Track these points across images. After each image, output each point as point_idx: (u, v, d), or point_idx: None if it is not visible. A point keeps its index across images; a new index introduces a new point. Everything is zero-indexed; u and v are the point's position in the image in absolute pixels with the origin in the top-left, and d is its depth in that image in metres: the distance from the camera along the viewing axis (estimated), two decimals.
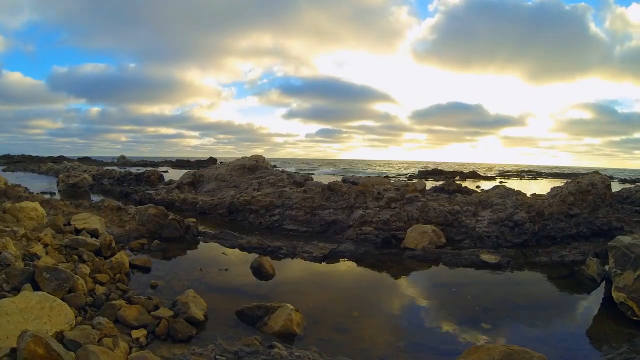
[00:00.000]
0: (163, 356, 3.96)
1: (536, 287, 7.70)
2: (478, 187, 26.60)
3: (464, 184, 20.18)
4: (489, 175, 52.81)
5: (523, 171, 69.91)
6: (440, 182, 20.18)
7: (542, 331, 5.55)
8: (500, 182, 37.11)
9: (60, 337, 3.90)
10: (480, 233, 10.67)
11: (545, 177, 55.04)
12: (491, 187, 14.82)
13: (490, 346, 3.99)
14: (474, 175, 47.25)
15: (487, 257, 8.90)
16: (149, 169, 31.09)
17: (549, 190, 12.79)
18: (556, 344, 5.11)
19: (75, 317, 4.52)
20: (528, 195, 13.24)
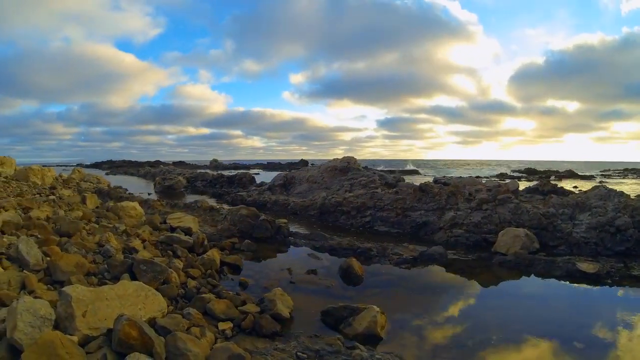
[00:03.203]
0: (246, 349, 4.23)
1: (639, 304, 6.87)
2: (575, 187, 25.63)
3: (559, 184, 18.67)
4: (588, 174, 48.80)
5: (627, 170, 61.75)
6: (534, 182, 18.84)
7: None
8: (601, 182, 34.63)
9: (152, 323, 4.38)
10: (577, 239, 9.94)
11: None
12: (590, 187, 13.58)
13: None
14: (571, 175, 44.84)
15: (584, 266, 8.15)
16: (240, 171, 33.18)
17: None
18: None
19: (168, 306, 5.05)
20: (632, 196, 11.83)
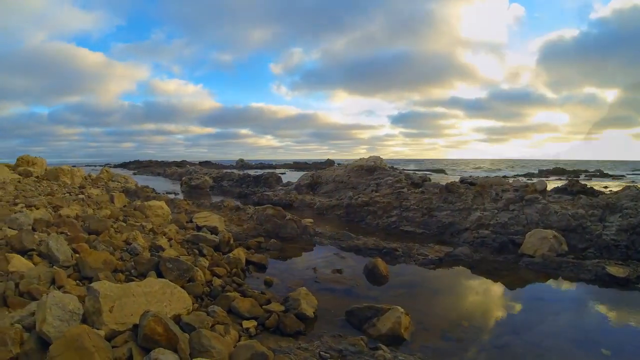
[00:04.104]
0: (269, 347, 4.27)
1: None
2: (606, 187, 24.74)
3: (589, 184, 18.13)
4: (618, 174, 47.89)
5: None
6: (563, 182, 18.34)
7: None
8: (632, 182, 33.63)
9: (177, 319, 4.47)
10: (607, 241, 9.60)
11: None
12: (621, 188, 13.04)
13: None
14: (601, 175, 44.40)
15: (614, 269, 7.89)
16: (267, 171, 33.47)
17: None
18: None
19: (193, 303, 5.16)
20: None
